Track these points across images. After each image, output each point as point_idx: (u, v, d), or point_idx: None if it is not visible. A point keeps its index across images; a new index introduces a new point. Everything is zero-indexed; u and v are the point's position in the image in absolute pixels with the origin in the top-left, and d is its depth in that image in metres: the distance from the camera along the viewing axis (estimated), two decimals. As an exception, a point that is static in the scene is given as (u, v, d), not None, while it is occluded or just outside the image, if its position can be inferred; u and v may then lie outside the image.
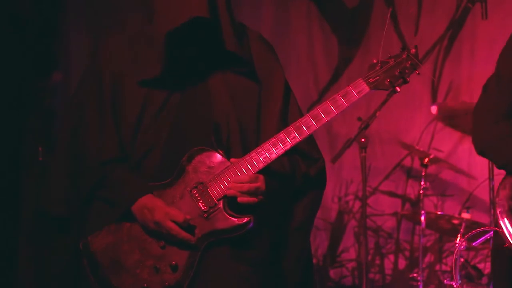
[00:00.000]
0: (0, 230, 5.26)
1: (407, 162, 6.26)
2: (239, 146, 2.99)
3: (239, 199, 2.90)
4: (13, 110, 5.38)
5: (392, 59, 2.96)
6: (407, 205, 6.26)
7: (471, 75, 6.01)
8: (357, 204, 6.32)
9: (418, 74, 2.97)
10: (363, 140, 5.31)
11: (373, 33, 6.29)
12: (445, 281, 5.18)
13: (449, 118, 5.59)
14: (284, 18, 6.48)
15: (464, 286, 5.02)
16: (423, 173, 5.63)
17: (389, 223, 6.30)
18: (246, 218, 2.90)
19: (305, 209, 3.11)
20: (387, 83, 2.94)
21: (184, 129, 2.99)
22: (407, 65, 2.94)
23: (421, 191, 5.62)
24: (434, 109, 5.48)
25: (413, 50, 2.96)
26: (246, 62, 3.04)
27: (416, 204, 6.13)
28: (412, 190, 6.23)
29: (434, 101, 6.13)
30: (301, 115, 3.06)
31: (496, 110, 3.25)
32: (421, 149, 5.87)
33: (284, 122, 3.04)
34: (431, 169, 5.85)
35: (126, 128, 2.99)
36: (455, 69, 6.12)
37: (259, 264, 2.98)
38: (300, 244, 3.12)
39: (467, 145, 5.92)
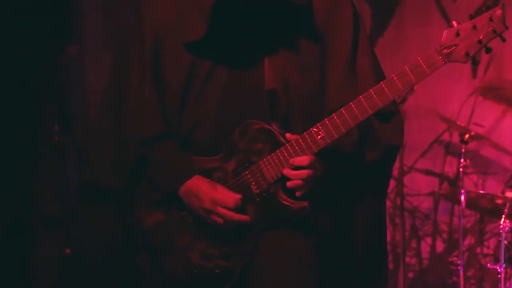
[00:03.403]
0: (15, 214, 5.05)
1: (445, 138, 5.98)
2: (299, 116, 2.71)
3: (288, 183, 2.64)
4: (28, 87, 5.17)
5: (471, 24, 2.49)
6: (445, 184, 6.00)
7: (515, 44, 5.69)
8: (392, 183, 5.95)
9: (504, 41, 2.49)
10: (399, 115, 5.17)
11: (407, 0, 5.98)
12: (488, 265, 5.01)
13: (491, 92, 5.32)
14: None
15: (509, 270, 4.77)
16: (463, 150, 5.36)
17: (426, 204, 6.04)
18: (302, 204, 2.65)
19: (375, 183, 2.88)
20: (463, 53, 2.49)
21: (236, 100, 2.71)
22: (489, 30, 2.47)
23: (461, 169, 5.35)
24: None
25: (499, 12, 2.47)
26: (305, 12, 2.72)
27: (454, 183, 5.87)
28: (450, 168, 5.95)
29: (474, 72, 5.80)
30: (375, 63, 2.75)
31: None
32: (462, 124, 5.59)
33: (352, 78, 2.73)
34: (472, 145, 5.57)
35: (170, 98, 2.75)
36: (498, 38, 5.73)
37: (320, 242, 2.74)
38: (368, 224, 2.88)
39: (511, 119, 5.67)
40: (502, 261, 4.78)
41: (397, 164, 5.41)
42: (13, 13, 4.99)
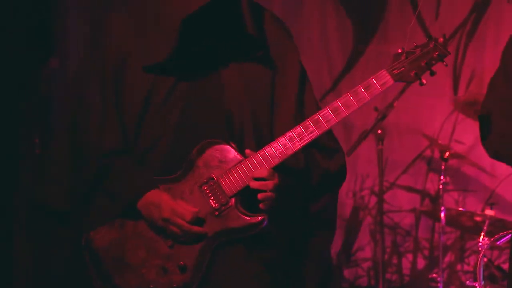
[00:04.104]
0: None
1: (427, 155, 6.01)
2: (252, 137, 2.81)
3: (260, 195, 2.72)
4: (8, 99, 5.16)
5: (419, 49, 2.78)
6: (427, 201, 6.02)
7: (496, 63, 5.67)
8: (373, 199, 6.07)
9: (446, 65, 2.80)
10: (380, 131, 5.23)
11: (391, 17, 6.03)
12: (467, 282, 5.02)
13: (471, 108, 5.33)
14: (296, -2, 6.20)
15: (488, 287, 4.77)
16: (443, 167, 5.38)
17: (407, 220, 6.06)
18: (259, 217, 2.72)
19: (324, 206, 2.96)
20: (412, 74, 2.76)
21: (194, 120, 2.80)
22: (434, 55, 2.76)
23: (441, 186, 5.36)
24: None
25: (441, 40, 2.78)
26: (262, 47, 2.86)
27: (435, 200, 5.88)
28: (431, 185, 5.98)
29: (455, 89, 5.87)
30: (316, 103, 2.92)
31: (506, 109, 3.01)
32: (442, 141, 5.63)
33: (300, 111, 2.88)
34: (452, 162, 5.61)
35: (130, 117, 2.80)
36: (479, 56, 5.85)
37: (273, 264, 2.82)
38: (319, 245, 2.98)
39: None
40: (481, 278, 4.78)
41: (377, 180, 5.43)
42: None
